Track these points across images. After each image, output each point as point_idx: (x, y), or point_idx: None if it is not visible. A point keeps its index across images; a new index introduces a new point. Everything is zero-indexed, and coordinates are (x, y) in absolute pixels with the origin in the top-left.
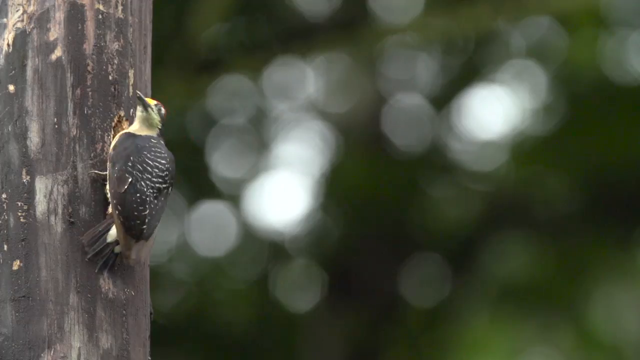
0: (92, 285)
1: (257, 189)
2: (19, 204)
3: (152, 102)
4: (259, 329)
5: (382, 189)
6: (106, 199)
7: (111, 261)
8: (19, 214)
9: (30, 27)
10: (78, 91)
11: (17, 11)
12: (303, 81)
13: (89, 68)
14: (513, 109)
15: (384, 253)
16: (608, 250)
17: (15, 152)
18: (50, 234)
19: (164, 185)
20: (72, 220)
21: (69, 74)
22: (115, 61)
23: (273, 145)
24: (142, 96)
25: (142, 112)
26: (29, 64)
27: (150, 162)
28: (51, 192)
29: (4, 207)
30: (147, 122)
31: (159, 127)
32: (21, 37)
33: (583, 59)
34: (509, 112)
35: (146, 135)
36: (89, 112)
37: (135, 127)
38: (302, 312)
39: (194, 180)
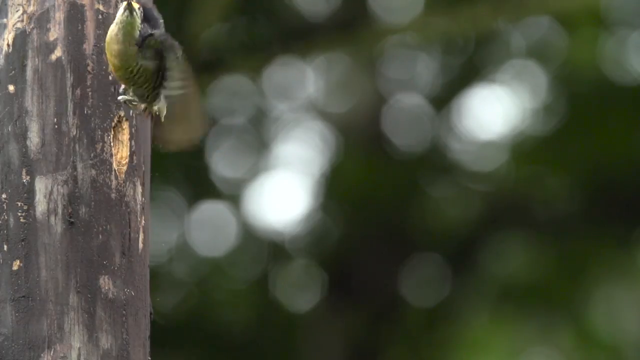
0: (92, 285)
1: (257, 189)
2: (19, 204)
3: (136, 6)
4: (259, 329)
5: (382, 189)
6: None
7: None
8: (19, 214)
9: (30, 27)
10: (78, 91)
11: (17, 11)
12: (303, 81)
13: (89, 68)
14: (513, 109)
15: (384, 253)
16: (608, 250)
17: (15, 152)
18: (50, 234)
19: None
20: (72, 220)
21: (69, 74)
22: None
23: (273, 145)
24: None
25: (128, 16)
26: (29, 64)
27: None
28: (51, 192)
29: (4, 207)
30: (131, 26)
31: (139, 29)
32: (21, 37)
33: (583, 59)
34: (509, 112)
35: None
36: (89, 112)
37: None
38: (302, 312)
39: (194, 180)
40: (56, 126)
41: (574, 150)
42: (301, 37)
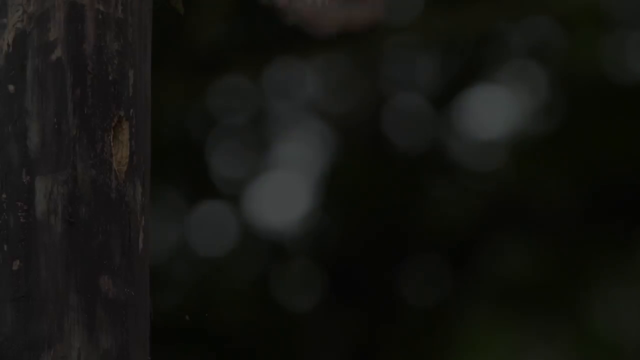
0: (92, 285)
1: (257, 189)
2: (19, 204)
3: None
4: (259, 329)
5: (382, 189)
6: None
7: None
8: (19, 214)
9: (30, 27)
10: (78, 91)
11: (17, 11)
12: (303, 81)
13: (89, 68)
14: (513, 109)
15: (384, 253)
16: (608, 250)
17: (15, 152)
18: (50, 234)
19: None
20: (72, 220)
21: (69, 74)
22: (115, 61)
23: (273, 145)
24: None
25: None
26: (29, 64)
27: None
28: (51, 192)
29: (4, 207)
30: None
31: None
32: (21, 37)
33: (583, 59)
34: (509, 112)
35: None
36: (89, 112)
37: None
38: (302, 312)
39: (194, 180)
40: (56, 126)
41: (574, 150)
42: (301, 37)
